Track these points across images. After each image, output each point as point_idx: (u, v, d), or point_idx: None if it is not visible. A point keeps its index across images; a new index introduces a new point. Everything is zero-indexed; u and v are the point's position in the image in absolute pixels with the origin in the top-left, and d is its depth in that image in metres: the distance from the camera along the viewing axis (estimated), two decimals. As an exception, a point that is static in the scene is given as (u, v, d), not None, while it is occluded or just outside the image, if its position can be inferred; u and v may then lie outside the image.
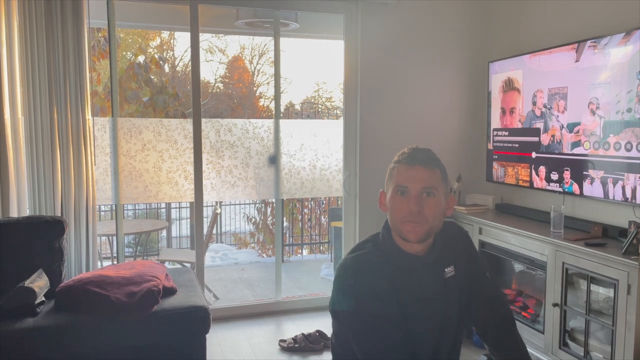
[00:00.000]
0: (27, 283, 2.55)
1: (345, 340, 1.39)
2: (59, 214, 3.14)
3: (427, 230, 1.33)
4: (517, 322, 3.07)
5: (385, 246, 1.40)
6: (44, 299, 2.61)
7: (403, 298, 1.34)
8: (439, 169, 1.37)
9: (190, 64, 3.58)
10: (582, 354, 2.61)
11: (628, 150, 2.61)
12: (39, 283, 2.61)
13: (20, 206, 3.14)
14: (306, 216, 7.62)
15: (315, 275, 5.66)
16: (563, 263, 2.69)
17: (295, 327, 3.56)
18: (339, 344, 1.49)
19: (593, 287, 2.56)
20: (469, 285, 1.49)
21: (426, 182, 1.32)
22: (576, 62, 2.91)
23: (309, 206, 7.62)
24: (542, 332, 2.87)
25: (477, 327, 1.58)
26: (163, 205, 7.68)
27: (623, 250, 2.37)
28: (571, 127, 2.96)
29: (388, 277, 1.34)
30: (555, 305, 2.74)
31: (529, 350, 2.97)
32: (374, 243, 1.42)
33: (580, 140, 2.91)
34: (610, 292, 2.45)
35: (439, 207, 1.34)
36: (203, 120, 3.65)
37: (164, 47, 11.26)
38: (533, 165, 3.28)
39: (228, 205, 8.26)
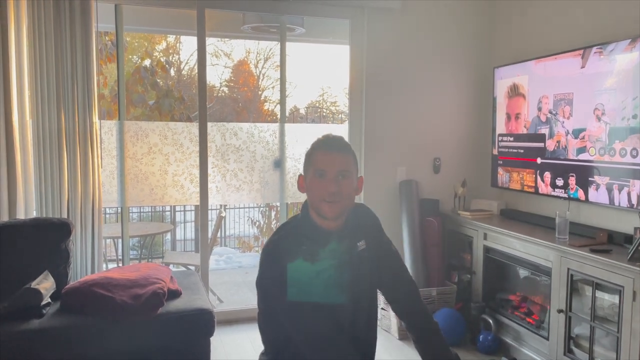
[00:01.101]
0: (33, 284, 2.56)
1: (271, 315, 1.55)
2: (66, 216, 3.16)
3: (342, 208, 1.52)
4: (522, 328, 3.08)
5: (304, 225, 1.56)
6: (49, 300, 2.62)
7: (320, 270, 1.49)
8: (351, 154, 1.55)
9: (196, 67, 3.60)
10: (587, 360, 2.60)
11: (634, 156, 2.60)
12: (45, 284, 2.62)
13: (27, 208, 3.16)
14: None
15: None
16: (568, 269, 2.69)
17: (299, 331, 3.55)
18: (265, 321, 1.62)
19: (598, 294, 2.55)
20: (378, 258, 1.65)
21: (341, 165, 1.50)
22: (582, 68, 2.91)
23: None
24: (547, 339, 2.86)
25: (387, 297, 1.72)
26: (168, 208, 7.70)
27: (629, 257, 2.37)
28: (576, 133, 2.96)
29: (306, 252, 1.49)
30: (560, 311, 2.73)
31: (533, 356, 2.98)
32: (294, 223, 1.60)
33: (585, 146, 2.90)
34: (615, 299, 2.44)
35: (352, 187, 1.53)
36: (209, 124, 3.66)
37: (170, 51, 11.32)
38: (538, 171, 3.28)
39: (232, 208, 8.27)
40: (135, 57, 9.67)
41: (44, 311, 2.53)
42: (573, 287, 2.70)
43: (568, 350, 2.72)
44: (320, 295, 1.48)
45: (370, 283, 1.63)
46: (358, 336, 1.58)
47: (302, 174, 1.59)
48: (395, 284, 1.69)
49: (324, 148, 1.53)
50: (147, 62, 7.60)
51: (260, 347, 1.64)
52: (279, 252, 1.51)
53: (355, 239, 1.60)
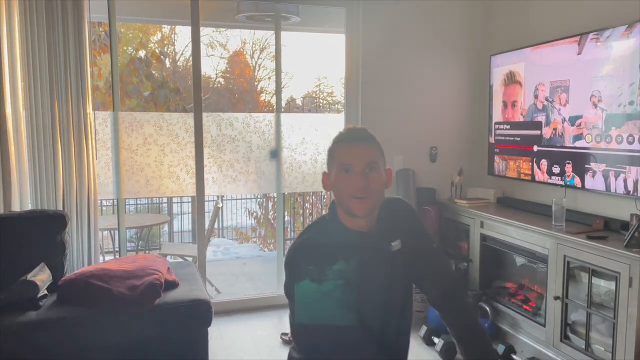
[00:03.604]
0: (29, 276, 2.55)
1: (302, 321, 1.42)
2: (61, 208, 3.15)
3: (373, 204, 1.39)
4: (519, 315, 3.09)
5: (332, 226, 1.44)
6: (46, 292, 2.61)
7: (349, 275, 1.37)
8: (376, 145, 1.42)
9: (191, 58, 3.57)
10: (583, 346, 2.62)
11: (630, 143, 2.60)
12: (41, 276, 2.62)
13: (22, 200, 3.14)
14: (307, 210, 7.62)
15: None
16: (564, 256, 2.69)
17: (297, 321, 3.56)
18: (297, 326, 1.49)
19: (594, 280, 2.56)
20: (417, 258, 1.52)
21: (368, 157, 1.38)
22: (578, 54, 2.90)
23: (310, 200, 7.61)
24: (544, 325, 2.87)
25: (428, 298, 1.60)
26: (164, 199, 7.69)
27: (625, 243, 2.37)
28: (573, 120, 2.96)
29: (334, 256, 1.37)
30: (556, 298, 2.74)
31: (530, 343, 2.99)
32: (321, 225, 1.49)
33: (582, 134, 2.90)
34: (611, 285, 2.45)
35: (381, 180, 1.40)
36: (204, 114, 3.64)
37: (165, 42, 11.24)
38: (535, 159, 3.28)
39: (229, 200, 8.26)
40: (129, 48, 9.60)
41: (41, 303, 2.53)
42: (569, 274, 2.71)
43: (564, 337, 2.73)
44: (346, 301, 1.38)
45: (404, 285, 1.52)
46: (388, 341, 1.49)
47: (326, 171, 1.46)
48: (433, 285, 1.57)
49: (347, 140, 1.41)
50: (141, 53, 7.54)
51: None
52: (298, 257, 1.40)
53: (389, 238, 1.47)
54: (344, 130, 1.46)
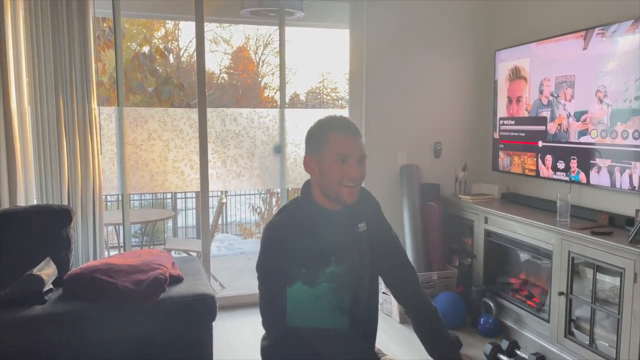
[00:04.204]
0: (35, 271, 2.56)
1: (273, 297, 1.53)
2: (66, 203, 3.16)
3: (358, 192, 1.53)
4: (523, 311, 3.09)
5: (306, 205, 1.56)
6: (52, 286, 2.62)
7: (323, 249, 1.50)
8: (361, 136, 1.54)
9: (195, 54, 3.57)
10: (587, 342, 2.61)
11: (635, 138, 2.59)
12: (46, 271, 2.63)
13: (27, 195, 3.16)
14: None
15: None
16: (569, 252, 2.69)
17: (301, 316, 3.57)
18: (267, 303, 1.58)
19: (599, 276, 2.55)
20: (379, 241, 1.65)
21: (362, 149, 1.50)
22: (584, 49, 2.89)
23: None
24: (548, 321, 2.87)
25: (385, 281, 1.72)
26: (169, 195, 7.71)
27: (630, 239, 2.37)
28: (578, 115, 2.94)
29: (309, 232, 1.50)
30: (561, 294, 2.74)
31: (534, 339, 2.99)
32: (296, 204, 1.58)
33: (587, 129, 2.89)
34: (616, 281, 2.44)
35: (366, 171, 1.53)
36: (208, 110, 3.65)
37: (169, 38, 11.24)
38: (539, 154, 3.27)
39: (233, 195, 8.28)
40: (134, 44, 9.61)
41: (46, 297, 2.54)
42: (574, 269, 2.70)
43: (569, 332, 2.73)
44: (320, 278, 1.49)
45: (370, 264, 1.62)
46: (358, 314, 1.59)
47: (309, 155, 1.53)
48: (394, 268, 1.69)
49: (342, 131, 1.49)
50: (145, 49, 7.55)
51: (262, 333, 1.64)
52: (280, 234, 1.50)
53: (357, 220, 1.59)
54: (330, 117, 1.53)
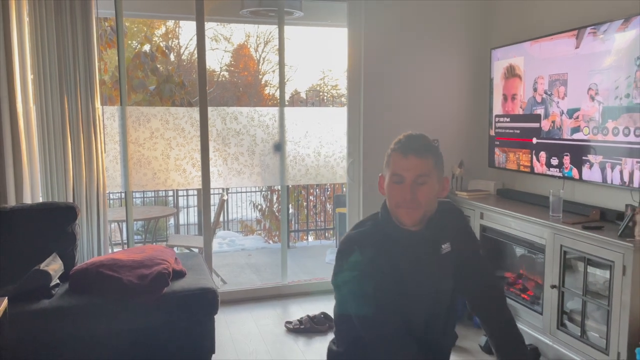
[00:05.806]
0: (42, 266, 2.64)
1: (347, 311, 1.47)
2: (71, 201, 3.24)
3: (421, 215, 1.43)
4: (517, 304, 3.15)
5: (384, 223, 1.48)
6: (58, 281, 2.70)
7: (399, 270, 1.43)
8: (431, 155, 1.44)
9: (195, 52, 3.63)
10: (579, 333, 2.68)
11: (626, 135, 2.65)
12: (53, 266, 2.70)
13: (33, 193, 3.23)
14: (311, 203, 7.70)
15: (320, 260, 5.75)
16: (561, 246, 2.76)
17: (301, 310, 3.65)
18: (341, 316, 1.58)
19: (590, 269, 2.62)
20: (464, 262, 1.57)
21: (419, 170, 1.40)
22: (576, 48, 2.95)
23: (314, 193, 7.69)
24: (541, 314, 2.94)
25: (469, 303, 1.65)
26: (171, 192, 7.79)
27: (619, 233, 2.43)
28: (571, 113, 3.01)
29: (386, 251, 1.43)
30: (553, 287, 2.81)
31: (528, 331, 3.06)
32: (373, 221, 1.52)
33: (579, 126, 2.95)
34: (606, 274, 2.51)
35: (432, 192, 1.43)
36: (209, 109, 3.71)
37: (170, 36, 11.30)
38: (534, 151, 3.33)
39: (234, 193, 8.35)
40: (134, 42, 9.66)
41: (53, 292, 2.62)
42: (566, 263, 2.77)
43: (561, 324, 2.80)
44: (398, 297, 1.42)
45: (453, 288, 1.54)
46: (432, 340, 1.52)
47: (382, 174, 1.49)
48: (478, 292, 1.60)
49: (400, 150, 1.43)
50: (146, 48, 7.60)
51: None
52: (354, 248, 1.43)
53: (440, 241, 1.51)
54: (403, 136, 1.48)
